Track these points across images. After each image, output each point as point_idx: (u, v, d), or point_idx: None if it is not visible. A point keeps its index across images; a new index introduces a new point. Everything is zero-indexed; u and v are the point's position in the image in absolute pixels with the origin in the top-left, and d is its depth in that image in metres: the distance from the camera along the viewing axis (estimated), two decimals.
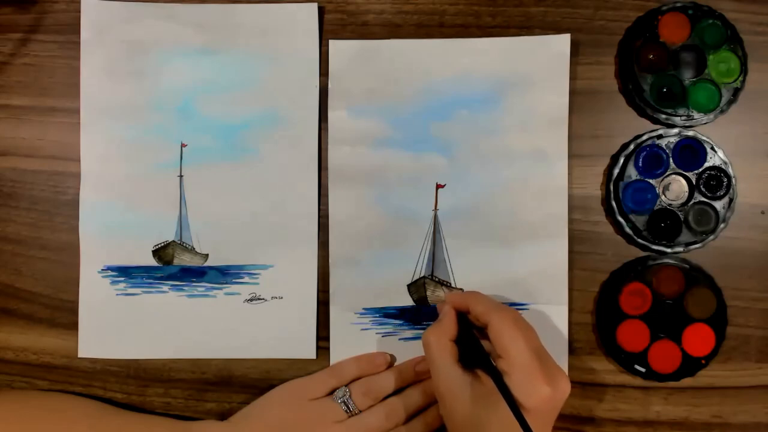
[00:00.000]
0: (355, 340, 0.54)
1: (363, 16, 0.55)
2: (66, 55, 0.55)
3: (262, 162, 0.54)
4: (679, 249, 0.53)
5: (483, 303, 0.48)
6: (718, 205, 0.53)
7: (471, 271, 0.54)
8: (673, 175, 0.53)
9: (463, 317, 0.49)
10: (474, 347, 0.47)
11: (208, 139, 0.55)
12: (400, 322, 0.54)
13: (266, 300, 0.54)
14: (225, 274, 0.55)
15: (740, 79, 0.53)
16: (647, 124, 0.54)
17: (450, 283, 0.54)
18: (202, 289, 0.55)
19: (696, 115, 0.53)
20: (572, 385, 0.45)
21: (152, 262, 0.55)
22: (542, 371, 0.44)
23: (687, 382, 0.53)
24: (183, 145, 0.55)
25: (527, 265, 0.54)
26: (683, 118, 0.53)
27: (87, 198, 0.55)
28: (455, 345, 0.47)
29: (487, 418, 0.44)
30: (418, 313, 0.54)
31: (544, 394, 0.43)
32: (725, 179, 0.53)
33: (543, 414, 0.44)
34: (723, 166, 0.53)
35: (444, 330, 0.48)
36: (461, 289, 0.54)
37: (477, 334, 0.48)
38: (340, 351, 0.54)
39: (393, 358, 0.54)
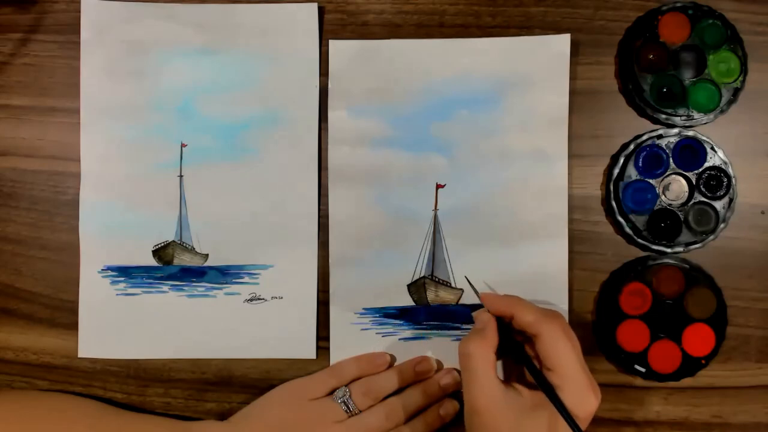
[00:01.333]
0: (355, 340, 0.54)
1: (363, 16, 0.55)
2: (66, 55, 0.55)
3: (262, 162, 0.54)
4: (679, 249, 0.53)
5: (531, 312, 0.46)
6: (718, 205, 0.53)
7: (471, 271, 0.54)
8: (673, 175, 0.53)
9: (503, 326, 0.47)
10: (524, 361, 0.45)
11: (208, 139, 0.55)
12: (400, 322, 0.54)
13: (266, 300, 0.54)
14: (225, 274, 0.55)
15: (740, 79, 0.53)
16: (647, 124, 0.54)
17: (450, 283, 0.54)
18: (202, 289, 0.55)
19: (696, 115, 0.53)
20: None
21: (152, 262, 0.55)
22: (590, 383, 0.44)
23: (687, 382, 0.53)
24: (183, 145, 0.55)
25: (527, 265, 0.54)
26: (683, 118, 0.53)
27: (87, 198, 0.55)
28: (496, 356, 0.46)
29: (531, 429, 0.44)
30: (418, 314, 0.54)
31: (593, 406, 0.44)
32: (725, 179, 0.53)
33: (586, 424, 0.44)
34: (723, 166, 0.53)
35: (488, 341, 0.46)
36: (461, 289, 0.54)
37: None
38: (340, 351, 0.54)
39: (393, 358, 0.54)
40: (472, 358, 0.45)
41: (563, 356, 0.44)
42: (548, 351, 0.44)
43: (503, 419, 0.44)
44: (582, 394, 0.44)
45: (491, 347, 0.46)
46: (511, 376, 0.47)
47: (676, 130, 0.53)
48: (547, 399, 0.44)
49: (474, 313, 0.50)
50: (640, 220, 0.53)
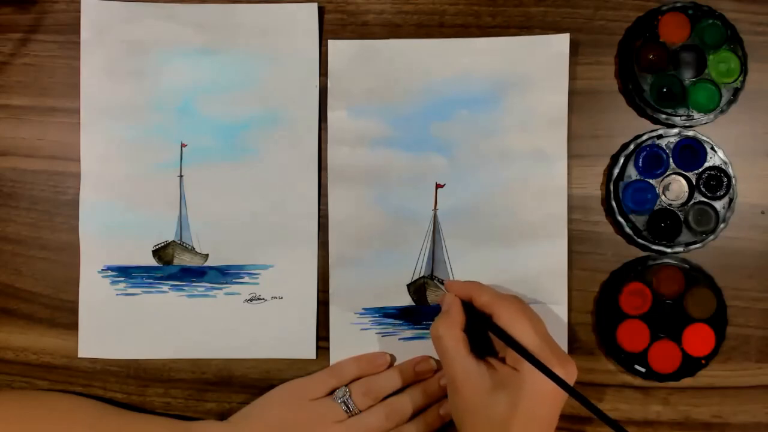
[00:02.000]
0: (355, 340, 0.54)
1: (363, 16, 0.55)
2: (66, 55, 0.55)
3: (262, 162, 0.54)
4: (679, 249, 0.53)
5: (487, 293, 0.48)
6: (718, 205, 0.53)
7: (471, 271, 0.54)
8: (673, 175, 0.53)
9: (469, 307, 0.49)
10: (492, 328, 0.47)
11: (208, 139, 0.55)
12: (400, 322, 0.54)
13: (266, 300, 0.54)
14: (225, 274, 0.55)
15: (740, 79, 0.53)
16: (647, 124, 0.54)
17: None
18: (202, 289, 0.55)
19: (696, 115, 0.53)
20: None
21: (152, 262, 0.55)
22: (553, 356, 0.45)
23: (687, 382, 0.53)
24: (183, 145, 0.55)
25: (527, 265, 0.54)
26: (683, 118, 0.53)
27: (87, 198, 0.55)
28: (465, 335, 0.48)
29: (506, 402, 0.45)
30: (417, 313, 0.54)
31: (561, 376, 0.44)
32: (725, 179, 0.53)
33: (557, 399, 0.45)
34: (723, 166, 0.53)
35: (453, 321, 0.48)
36: None
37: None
38: (340, 351, 0.54)
39: (393, 358, 0.54)
40: (443, 338, 0.47)
41: (519, 331, 0.45)
42: (505, 328, 0.46)
43: (476, 392, 0.46)
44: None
45: (458, 325, 0.48)
46: (483, 355, 0.48)
47: (676, 130, 0.53)
48: (511, 372, 0.45)
49: (439, 298, 0.52)
50: (640, 220, 0.53)
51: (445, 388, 0.52)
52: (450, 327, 0.48)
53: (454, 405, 0.48)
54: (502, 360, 0.47)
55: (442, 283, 0.54)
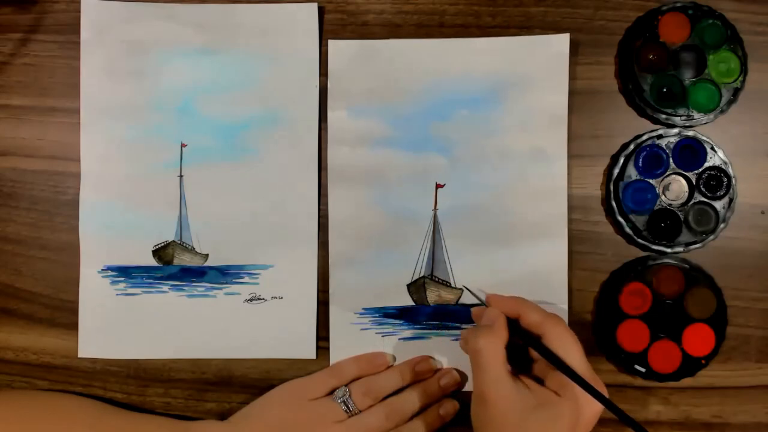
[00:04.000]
0: (355, 340, 0.54)
1: (363, 16, 0.55)
2: (66, 55, 0.55)
3: (262, 162, 0.54)
4: (679, 249, 0.53)
5: (537, 312, 0.47)
6: (718, 205, 0.53)
7: (471, 271, 0.54)
8: (673, 175, 0.53)
9: (513, 324, 0.48)
10: (541, 350, 0.46)
11: (208, 139, 0.55)
12: (400, 322, 0.54)
13: (266, 300, 0.54)
14: (225, 274, 0.55)
15: (740, 79, 0.53)
16: (647, 124, 0.54)
17: (450, 283, 0.54)
18: (202, 289, 0.55)
19: (696, 115, 0.53)
20: None
21: (152, 262, 0.55)
22: (596, 380, 0.45)
23: (687, 382, 0.53)
24: (183, 145, 0.55)
25: (527, 265, 0.54)
26: (683, 118, 0.53)
27: (87, 198, 0.55)
28: (506, 352, 0.47)
29: (543, 425, 0.44)
30: (417, 313, 0.54)
31: (599, 405, 0.44)
32: (725, 179, 0.53)
33: (592, 423, 0.45)
34: (723, 166, 0.53)
35: (497, 336, 0.47)
36: (461, 289, 0.54)
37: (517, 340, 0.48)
38: (340, 351, 0.54)
39: (393, 358, 0.54)
40: (482, 353, 0.46)
41: (570, 353, 0.45)
42: (555, 349, 0.45)
43: (511, 411, 0.45)
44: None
45: (502, 342, 0.47)
46: (519, 373, 0.48)
47: (676, 130, 0.53)
48: (553, 396, 0.45)
49: (476, 310, 0.51)
50: (640, 220, 0.53)
51: (445, 388, 0.53)
52: (493, 342, 0.46)
53: (479, 418, 0.46)
54: (538, 380, 0.47)
55: (442, 282, 0.54)
